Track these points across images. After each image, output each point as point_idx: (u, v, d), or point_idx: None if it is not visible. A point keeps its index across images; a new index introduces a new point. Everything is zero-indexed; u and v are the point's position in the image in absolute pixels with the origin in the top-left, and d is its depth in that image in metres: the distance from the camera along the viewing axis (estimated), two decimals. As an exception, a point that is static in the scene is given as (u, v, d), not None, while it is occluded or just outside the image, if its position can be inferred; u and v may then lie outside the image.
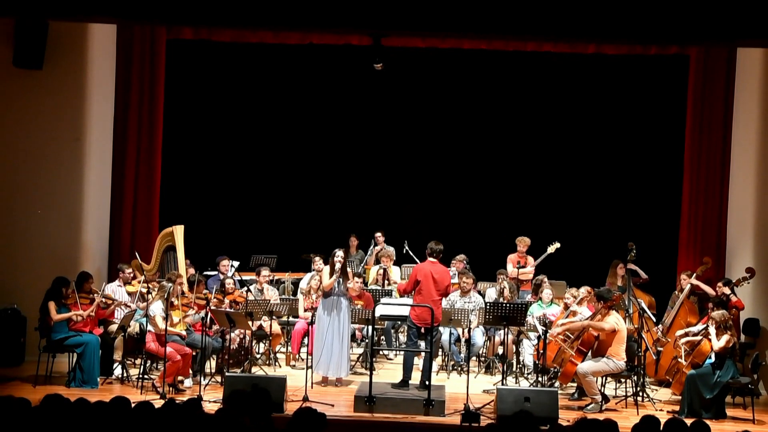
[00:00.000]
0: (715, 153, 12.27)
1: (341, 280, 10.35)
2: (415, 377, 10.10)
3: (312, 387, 9.93)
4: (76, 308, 10.15)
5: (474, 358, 11.49)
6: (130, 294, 11.02)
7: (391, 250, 12.72)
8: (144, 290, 10.86)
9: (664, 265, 12.57)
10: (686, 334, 10.22)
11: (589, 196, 13.71)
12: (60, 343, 10.07)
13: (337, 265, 10.28)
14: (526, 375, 11.02)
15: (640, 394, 10.08)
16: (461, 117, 13.96)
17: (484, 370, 11.51)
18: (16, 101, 11.47)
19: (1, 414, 5.58)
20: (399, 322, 11.32)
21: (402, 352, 10.69)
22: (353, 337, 11.48)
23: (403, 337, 11.64)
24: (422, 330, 10.09)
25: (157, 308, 10.03)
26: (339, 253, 10.37)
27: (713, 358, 9.80)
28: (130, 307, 10.77)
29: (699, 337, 9.99)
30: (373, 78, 12.17)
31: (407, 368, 10.07)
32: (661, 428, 5.92)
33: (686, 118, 12.50)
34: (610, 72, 13.22)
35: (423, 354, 10.19)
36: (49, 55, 11.25)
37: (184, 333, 10.19)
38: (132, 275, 11.31)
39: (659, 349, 10.80)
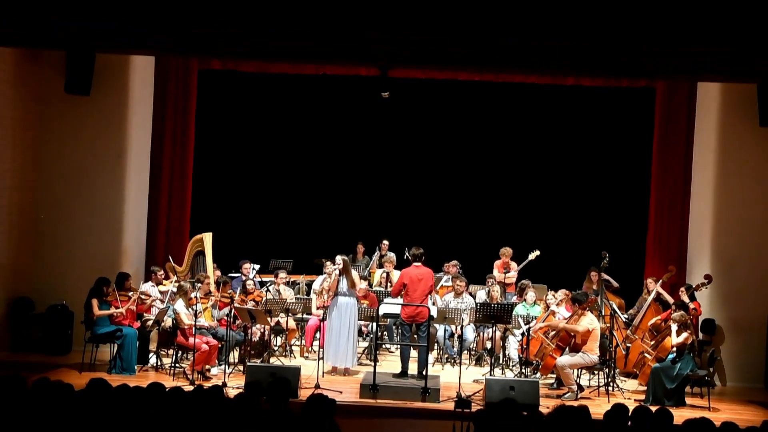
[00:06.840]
0: (678, 172, 12.27)
1: (345, 281, 10.39)
2: (413, 369, 10.11)
3: (323, 376, 9.95)
4: (116, 304, 10.23)
5: (465, 351, 11.50)
6: (162, 293, 11.07)
7: (393, 256, 12.74)
8: (175, 289, 10.90)
9: (633, 271, 12.57)
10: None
11: (568, 211, 13.75)
12: (102, 336, 10.16)
13: (331, 270, 10.50)
14: (511, 367, 11.01)
15: (611, 384, 10.11)
16: (456, 140, 14.00)
17: (474, 362, 11.53)
18: (67, 122, 11.60)
19: (51, 395, 5.67)
20: (400, 319, 11.32)
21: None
22: (359, 332, 11.50)
23: (404, 333, 11.66)
24: (413, 326, 10.15)
25: (180, 307, 10.11)
26: (338, 259, 10.45)
27: (675, 354, 9.85)
28: (163, 303, 10.82)
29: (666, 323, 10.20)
30: (379, 105, 12.22)
31: (404, 360, 10.10)
32: (630, 414, 5.96)
33: (653, 142, 12.50)
34: (587, 101, 13.26)
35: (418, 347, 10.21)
36: (95, 83, 11.36)
37: (214, 323, 10.30)
38: (164, 276, 11.37)
39: (628, 345, 10.84)
